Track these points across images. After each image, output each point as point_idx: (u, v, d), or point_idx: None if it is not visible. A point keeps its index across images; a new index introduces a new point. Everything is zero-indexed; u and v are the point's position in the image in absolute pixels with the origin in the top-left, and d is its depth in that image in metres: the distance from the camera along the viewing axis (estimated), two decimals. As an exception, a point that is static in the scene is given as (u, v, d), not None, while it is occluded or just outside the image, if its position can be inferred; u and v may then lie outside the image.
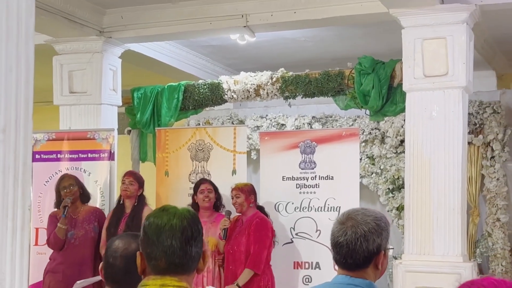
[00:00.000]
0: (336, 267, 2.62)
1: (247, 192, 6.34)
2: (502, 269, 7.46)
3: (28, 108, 1.97)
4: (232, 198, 6.39)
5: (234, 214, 6.48)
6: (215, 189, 6.60)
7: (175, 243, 2.39)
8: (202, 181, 6.69)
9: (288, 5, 6.90)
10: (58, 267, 6.50)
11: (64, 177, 6.63)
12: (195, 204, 6.56)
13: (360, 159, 7.88)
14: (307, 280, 6.72)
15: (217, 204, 6.64)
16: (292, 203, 6.84)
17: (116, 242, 3.09)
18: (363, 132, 8.17)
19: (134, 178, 6.59)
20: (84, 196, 6.68)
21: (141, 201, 6.57)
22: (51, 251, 6.96)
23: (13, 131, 1.96)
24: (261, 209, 6.48)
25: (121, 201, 6.58)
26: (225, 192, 6.73)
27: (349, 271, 2.56)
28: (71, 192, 6.52)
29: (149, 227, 2.46)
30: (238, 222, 6.41)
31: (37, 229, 7.11)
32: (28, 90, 1.96)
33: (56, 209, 6.63)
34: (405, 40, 6.30)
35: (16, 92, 1.92)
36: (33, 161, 7.00)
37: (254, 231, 6.23)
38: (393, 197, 8.07)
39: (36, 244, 7.10)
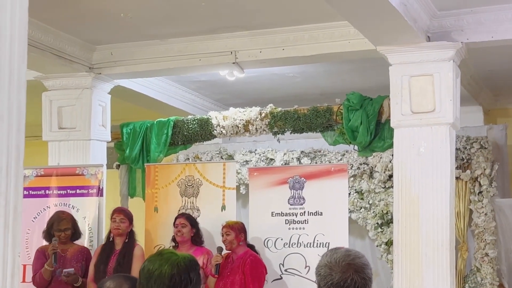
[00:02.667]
0: None
1: (237, 230, 6.37)
2: (491, 304, 7.45)
3: (19, 156, 1.98)
4: (222, 236, 6.41)
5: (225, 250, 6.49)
6: (193, 224, 6.59)
7: None
8: (178, 215, 6.71)
9: (276, 42, 6.97)
10: None
11: (62, 220, 6.56)
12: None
13: (349, 193, 7.89)
14: (296, 316, 6.69)
15: (195, 238, 6.61)
16: (281, 239, 6.84)
17: (108, 283, 3.10)
18: (352, 166, 8.20)
19: (125, 215, 6.59)
20: (74, 235, 6.67)
21: (131, 237, 6.60)
22: (39, 288, 6.94)
23: (4, 179, 1.98)
24: (251, 247, 6.49)
25: (111, 238, 6.57)
26: (214, 227, 6.75)
27: None
28: (65, 236, 6.51)
29: (142, 271, 2.50)
30: (229, 259, 6.43)
31: (24, 266, 7.05)
32: (19, 139, 1.97)
33: (44, 244, 6.60)
34: (393, 77, 6.36)
35: (7, 141, 1.93)
36: (21, 197, 7.04)
37: (250, 270, 6.26)
38: (382, 232, 8.07)
39: (24, 281, 7.03)
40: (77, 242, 6.75)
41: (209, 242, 6.81)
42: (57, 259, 6.39)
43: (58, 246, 6.46)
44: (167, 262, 2.44)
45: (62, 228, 6.52)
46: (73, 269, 6.38)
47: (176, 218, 6.65)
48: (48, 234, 6.56)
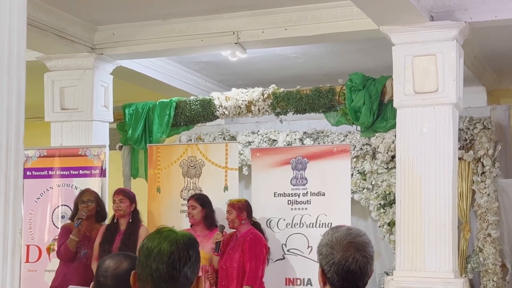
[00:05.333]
0: None
1: (238, 208, 6.37)
2: (493, 285, 7.46)
3: (19, 132, 1.97)
4: (227, 214, 6.42)
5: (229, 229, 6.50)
6: (203, 205, 6.58)
7: (162, 267, 2.39)
8: (190, 197, 6.71)
9: (279, 22, 6.93)
10: (66, 284, 6.48)
11: (85, 192, 6.64)
12: None
13: (352, 174, 7.88)
14: (299, 296, 6.71)
15: (207, 219, 6.60)
16: (284, 220, 6.85)
17: (107, 261, 3.10)
18: (354, 147, 8.18)
19: (124, 195, 6.57)
20: (100, 215, 6.68)
21: (135, 217, 6.58)
22: (42, 267, 6.96)
23: (4, 155, 1.97)
24: (257, 225, 6.50)
25: (115, 220, 6.57)
26: (217, 208, 6.73)
27: None
28: (88, 208, 6.53)
29: (141, 249, 2.49)
30: (233, 237, 6.45)
31: (28, 246, 7.09)
32: (19, 116, 1.97)
33: (70, 222, 6.62)
34: (396, 57, 6.33)
35: (7, 118, 1.93)
36: (24, 178, 7.03)
37: (248, 248, 6.25)
38: (384, 212, 8.07)
39: (27, 261, 7.08)
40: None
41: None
42: (80, 223, 6.41)
43: (83, 224, 6.48)
44: (166, 240, 2.43)
45: (85, 199, 6.54)
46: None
47: (188, 200, 6.66)
48: (76, 209, 6.56)
